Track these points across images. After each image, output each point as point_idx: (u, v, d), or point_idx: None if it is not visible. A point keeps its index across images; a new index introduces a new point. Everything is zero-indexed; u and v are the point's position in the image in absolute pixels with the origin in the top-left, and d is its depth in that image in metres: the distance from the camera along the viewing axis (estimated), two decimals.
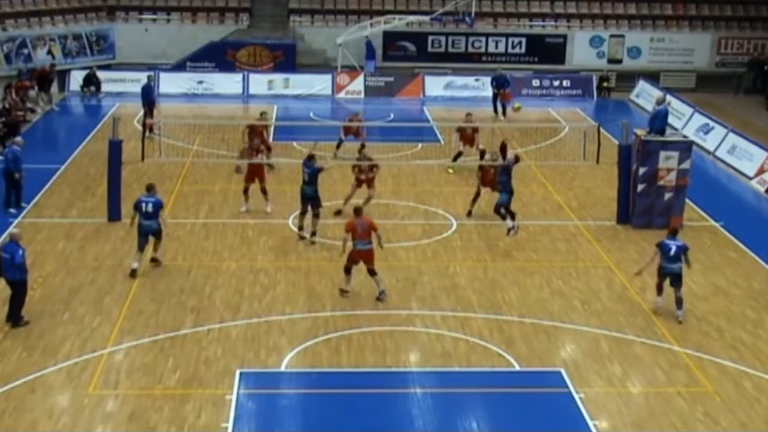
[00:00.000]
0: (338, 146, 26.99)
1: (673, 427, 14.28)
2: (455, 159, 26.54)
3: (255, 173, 23.06)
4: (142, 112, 30.15)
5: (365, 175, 22.83)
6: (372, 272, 18.27)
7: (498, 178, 21.98)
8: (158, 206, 19.28)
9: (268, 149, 25.89)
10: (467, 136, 26.33)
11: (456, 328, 17.30)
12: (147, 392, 14.87)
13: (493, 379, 15.72)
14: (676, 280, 17.77)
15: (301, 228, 21.47)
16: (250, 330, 17.09)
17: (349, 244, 18.16)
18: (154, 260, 19.87)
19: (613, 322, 17.72)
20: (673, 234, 18.07)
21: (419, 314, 17.91)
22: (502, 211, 21.55)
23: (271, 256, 20.60)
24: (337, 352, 16.33)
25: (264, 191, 23.09)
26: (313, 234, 21.19)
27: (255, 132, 25.36)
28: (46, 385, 15.02)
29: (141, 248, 19.28)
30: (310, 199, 21.21)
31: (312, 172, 21.17)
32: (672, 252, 17.66)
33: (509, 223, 21.51)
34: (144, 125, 26.43)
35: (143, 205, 19.20)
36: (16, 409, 14.28)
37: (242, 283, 19.13)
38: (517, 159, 22.19)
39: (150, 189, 19.49)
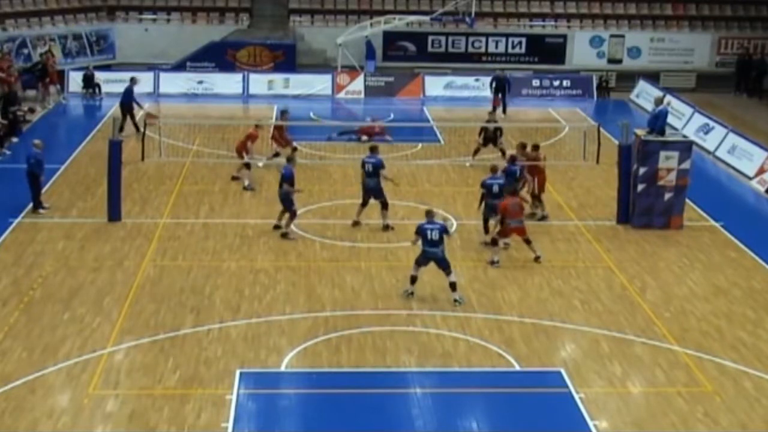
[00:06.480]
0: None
1: (673, 427, 14.27)
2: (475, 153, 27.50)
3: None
4: (122, 115, 29.79)
5: None
6: (528, 241, 20.41)
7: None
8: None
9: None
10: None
11: (456, 328, 17.30)
12: (147, 392, 14.87)
13: (493, 379, 15.71)
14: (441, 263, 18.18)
15: (357, 223, 22.24)
16: (250, 330, 17.09)
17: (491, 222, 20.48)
18: (277, 227, 21.47)
19: (613, 322, 17.71)
20: (430, 217, 18.27)
21: (419, 314, 17.90)
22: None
23: (271, 256, 20.58)
24: (337, 352, 16.32)
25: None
26: (386, 227, 22.10)
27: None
28: (46, 385, 15.01)
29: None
30: (373, 191, 22.04)
31: (376, 163, 21.97)
32: (429, 236, 17.99)
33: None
34: (129, 125, 26.45)
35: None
36: (16, 409, 14.28)
37: (242, 283, 19.12)
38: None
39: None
